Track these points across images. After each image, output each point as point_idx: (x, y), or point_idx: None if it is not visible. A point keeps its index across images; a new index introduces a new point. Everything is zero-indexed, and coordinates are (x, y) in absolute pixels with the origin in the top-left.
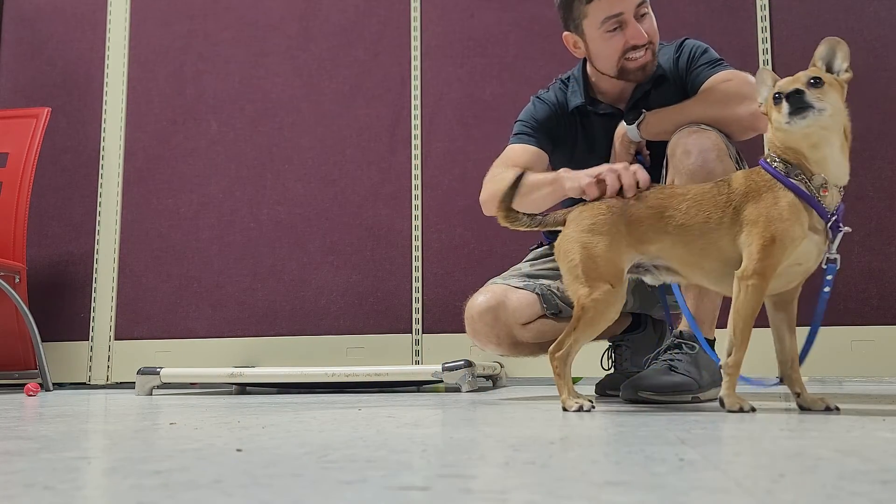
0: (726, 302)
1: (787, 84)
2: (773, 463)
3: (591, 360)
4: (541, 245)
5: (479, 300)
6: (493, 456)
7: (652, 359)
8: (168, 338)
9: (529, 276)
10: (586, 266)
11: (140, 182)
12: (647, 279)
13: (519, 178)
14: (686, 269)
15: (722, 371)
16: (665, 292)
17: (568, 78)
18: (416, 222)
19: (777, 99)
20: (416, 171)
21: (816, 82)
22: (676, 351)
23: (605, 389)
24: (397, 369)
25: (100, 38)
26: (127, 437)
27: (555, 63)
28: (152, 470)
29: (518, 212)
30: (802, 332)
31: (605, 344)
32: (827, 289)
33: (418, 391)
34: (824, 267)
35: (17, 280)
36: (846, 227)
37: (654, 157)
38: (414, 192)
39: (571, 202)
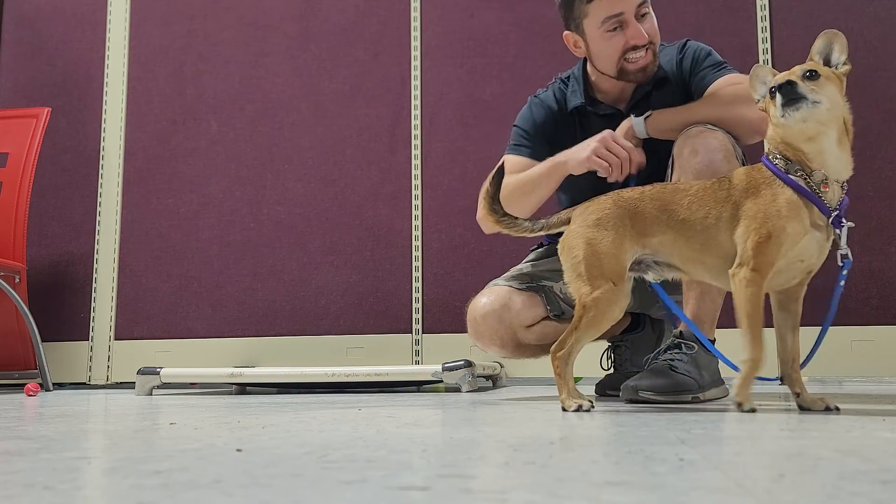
0: (727, 302)
1: (781, 77)
2: (773, 463)
3: (591, 360)
4: (541, 245)
5: (483, 302)
6: (493, 456)
7: (652, 359)
8: (168, 338)
9: (532, 277)
10: (589, 263)
11: (140, 182)
12: (650, 276)
13: (500, 171)
14: (687, 264)
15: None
16: (665, 294)
17: (568, 77)
18: (416, 222)
19: (772, 93)
20: (416, 171)
21: (812, 75)
22: (676, 351)
23: (605, 389)
24: (397, 369)
25: (100, 38)
26: (127, 437)
27: (555, 63)
28: (152, 470)
29: (516, 217)
30: (807, 333)
31: (605, 344)
32: (842, 282)
33: (418, 391)
34: (839, 264)
35: (17, 280)
36: (849, 222)
37: (658, 156)
38: (414, 192)
39: (571, 202)
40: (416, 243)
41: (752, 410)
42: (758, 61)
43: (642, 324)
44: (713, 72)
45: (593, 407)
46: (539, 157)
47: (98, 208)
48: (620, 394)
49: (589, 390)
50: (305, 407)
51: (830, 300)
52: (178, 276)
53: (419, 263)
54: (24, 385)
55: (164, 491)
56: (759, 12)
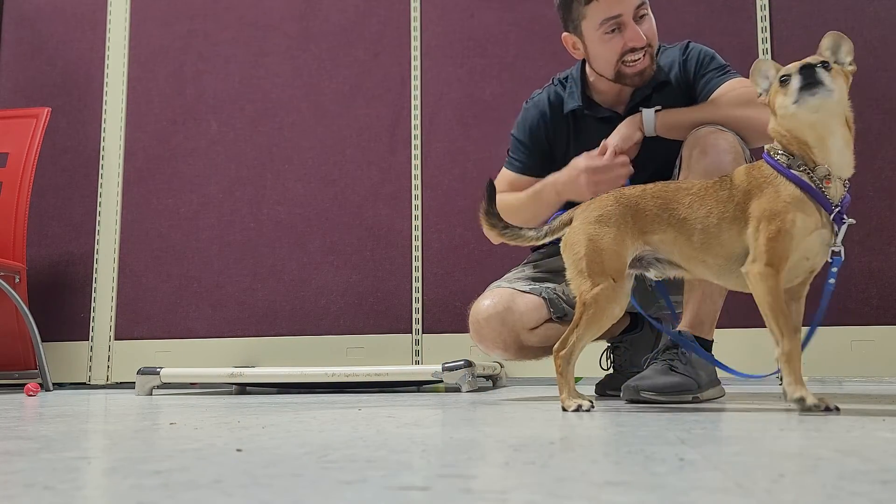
0: (728, 303)
1: (795, 65)
2: (773, 463)
3: (591, 360)
4: (543, 245)
5: (486, 304)
6: (493, 456)
7: (651, 359)
8: (168, 338)
9: (534, 279)
10: (590, 260)
11: (140, 182)
12: (651, 273)
13: (491, 188)
14: (688, 262)
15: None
16: (666, 292)
17: (566, 78)
18: (416, 222)
19: (784, 81)
20: (416, 171)
21: (826, 66)
22: (676, 351)
23: (605, 389)
24: (397, 369)
25: (100, 38)
26: (127, 437)
27: (555, 63)
28: (152, 470)
29: (520, 228)
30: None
31: (605, 344)
32: (832, 280)
33: (418, 391)
34: (829, 260)
35: (17, 280)
36: (850, 219)
37: (661, 156)
38: (414, 192)
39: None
40: (416, 243)
41: (835, 409)
42: None
43: (641, 324)
44: (719, 75)
45: (593, 407)
46: (531, 169)
47: (98, 208)
48: (621, 394)
49: (589, 390)
50: (305, 407)
51: (821, 298)
52: (178, 276)
53: (419, 263)
54: (24, 385)
55: (164, 491)
56: (759, 12)
